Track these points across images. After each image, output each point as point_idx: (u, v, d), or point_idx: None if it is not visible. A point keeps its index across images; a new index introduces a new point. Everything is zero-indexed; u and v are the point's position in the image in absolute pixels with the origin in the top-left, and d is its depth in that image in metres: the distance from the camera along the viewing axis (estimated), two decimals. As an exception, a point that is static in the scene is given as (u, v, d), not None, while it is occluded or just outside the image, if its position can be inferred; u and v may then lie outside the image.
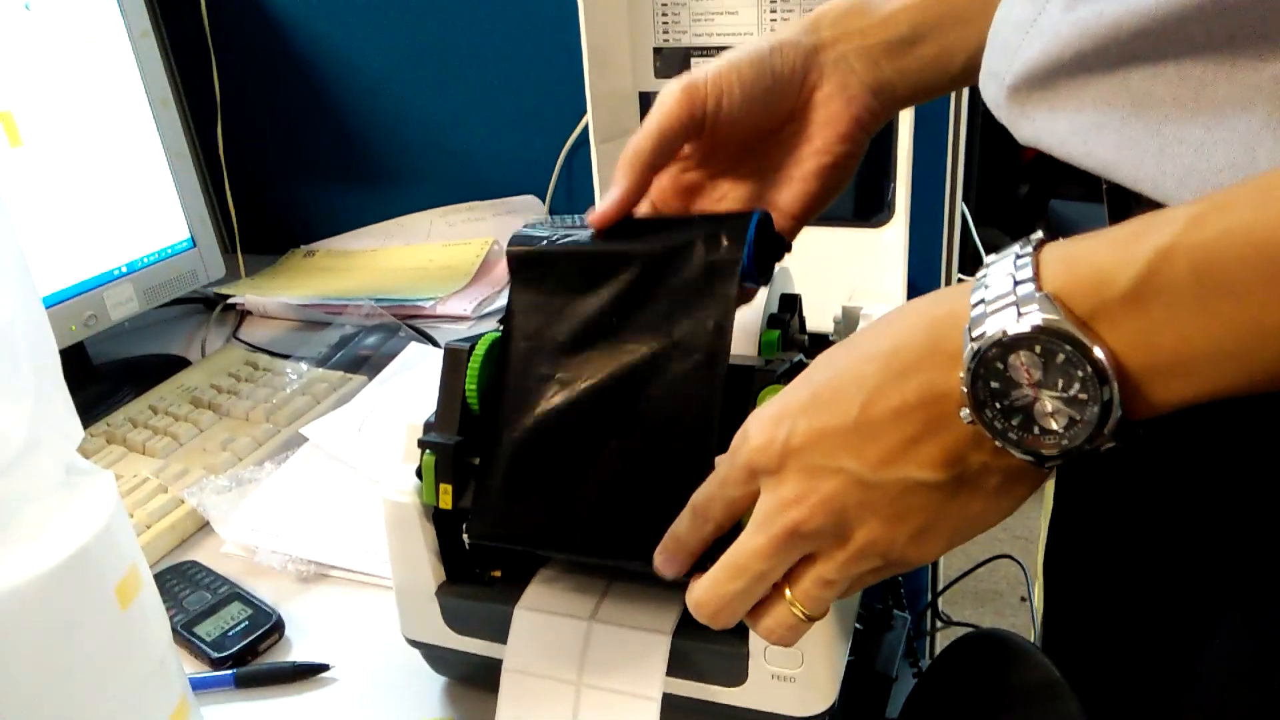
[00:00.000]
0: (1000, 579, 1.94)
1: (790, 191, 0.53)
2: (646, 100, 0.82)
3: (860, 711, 0.70)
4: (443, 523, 0.52)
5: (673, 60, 0.79)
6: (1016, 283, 0.32)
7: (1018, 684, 0.50)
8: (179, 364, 1.00)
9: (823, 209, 0.55)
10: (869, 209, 0.79)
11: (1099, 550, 0.48)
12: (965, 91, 0.93)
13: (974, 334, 0.33)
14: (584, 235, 0.50)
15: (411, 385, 0.88)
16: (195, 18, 1.21)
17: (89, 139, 0.90)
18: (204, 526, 0.75)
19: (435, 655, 0.57)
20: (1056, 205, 2.19)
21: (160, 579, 0.68)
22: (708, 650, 0.49)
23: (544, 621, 0.51)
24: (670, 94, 0.49)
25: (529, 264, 0.50)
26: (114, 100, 0.92)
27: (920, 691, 0.57)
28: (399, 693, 0.59)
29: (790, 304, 0.66)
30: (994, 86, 0.40)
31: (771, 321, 0.63)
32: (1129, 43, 0.33)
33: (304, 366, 0.93)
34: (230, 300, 1.13)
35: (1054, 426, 0.32)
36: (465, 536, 0.50)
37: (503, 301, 1.08)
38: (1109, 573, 0.47)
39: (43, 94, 0.86)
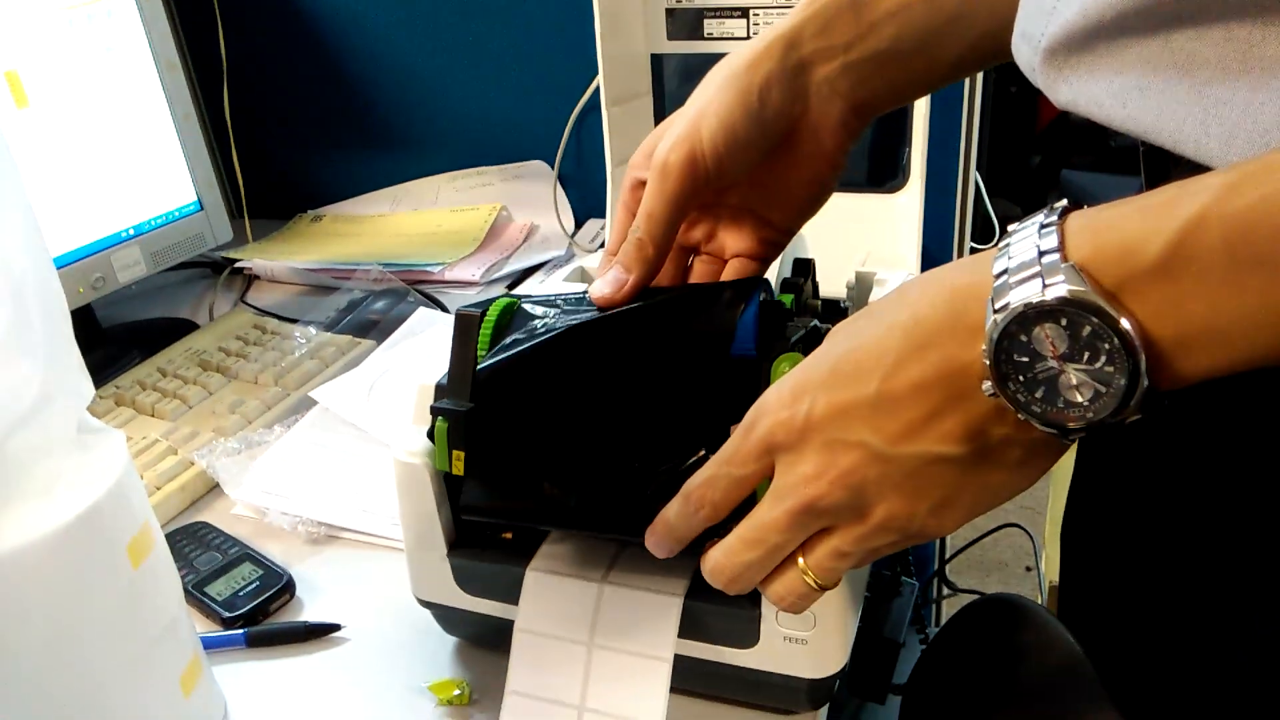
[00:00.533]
0: (1006, 549, 1.94)
1: (779, 210, 0.52)
2: (658, 62, 0.81)
3: (867, 677, 0.70)
4: (454, 486, 0.52)
5: (685, 21, 0.78)
6: (1041, 253, 0.31)
7: (1028, 647, 0.50)
8: (187, 327, 0.99)
9: (809, 218, 0.54)
10: (883, 175, 0.78)
11: (1122, 518, 0.48)
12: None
13: (997, 305, 0.32)
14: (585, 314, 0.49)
15: (420, 350, 0.88)
16: (201, -22, 1.20)
17: (95, 100, 0.90)
18: (214, 488, 0.75)
19: (446, 616, 0.57)
20: (1068, 175, 2.17)
21: (171, 540, 0.68)
22: (720, 612, 0.49)
23: (555, 583, 0.51)
24: (672, 168, 0.47)
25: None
26: (120, 62, 0.92)
27: (930, 655, 0.57)
28: (410, 653, 0.59)
29: (804, 268, 0.65)
30: (1028, 49, 0.39)
31: (784, 285, 0.63)
32: (1172, 4, 0.32)
33: (312, 330, 0.93)
34: (237, 264, 1.13)
35: (1079, 399, 0.32)
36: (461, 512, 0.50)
37: (511, 267, 1.09)
38: (1132, 541, 0.47)
39: (49, 54, 0.86)
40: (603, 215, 1.20)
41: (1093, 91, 0.36)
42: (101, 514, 0.45)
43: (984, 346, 0.32)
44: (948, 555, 1.19)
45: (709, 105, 0.47)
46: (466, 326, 0.50)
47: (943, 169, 0.92)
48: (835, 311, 0.69)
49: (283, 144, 1.30)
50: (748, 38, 0.77)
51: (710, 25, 0.78)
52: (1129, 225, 0.30)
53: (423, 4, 1.16)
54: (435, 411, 0.49)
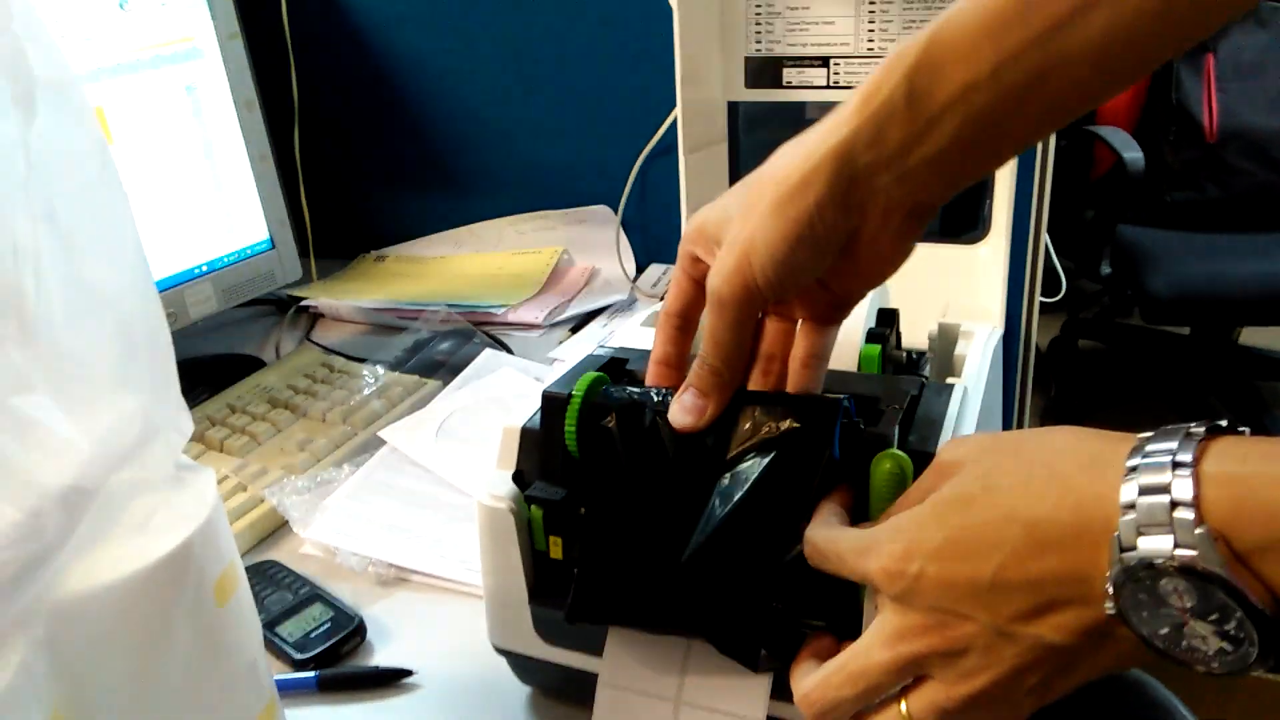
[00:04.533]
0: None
1: (843, 288, 0.49)
2: (735, 110, 0.81)
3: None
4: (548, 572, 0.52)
5: (763, 70, 0.78)
6: (1174, 503, 0.31)
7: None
8: (254, 364, 1.00)
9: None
10: (961, 225, 0.77)
11: None
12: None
13: (1124, 548, 0.32)
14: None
15: (488, 391, 0.87)
16: (275, 20, 1.22)
17: (176, 138, 0.91)
18: (282, 526, 0.75)
19: (523, 665, 0.56)
20: (1124, 230, 2.15)
21: (241, 578, 0.67)
22: (813, 672, 0.47)
23: (642, 635, 0.50)
24: (728, 301, 0.45)
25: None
26: (200, 101, 0.93)
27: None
28: (483, 702, 0.58)
29: (888, 319, 0.64)
30: None
31: (870, 336, 0.62)
32: None
33: (380, 370, 0.93)
34: (303, 303, 1.14)
35: (1205, 649, 0.32)
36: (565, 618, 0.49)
37: (573, 310, 1.09)
38: None
39: (133, 92, 0.87)
40: (664, 260, 1.20)
41: None
42: (192, 550, 0.45)
43: (1108, 576, 0.32)
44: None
45: (758, 234, 0.44)
46: (553, 408, 0.50)
47: (1016, 221, 0.91)
48: (915, 365, 0.68)
49: (348, 184, 1.32)
50: (828, 86, 0.77)
51: (789, 74, 0.78)
52: (1276, 494, 0.30)
53: (489, 48, 1.18)
54: (529, 500, 0.50)
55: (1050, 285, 1.28)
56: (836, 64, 0.76)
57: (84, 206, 0.42)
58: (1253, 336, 2.33)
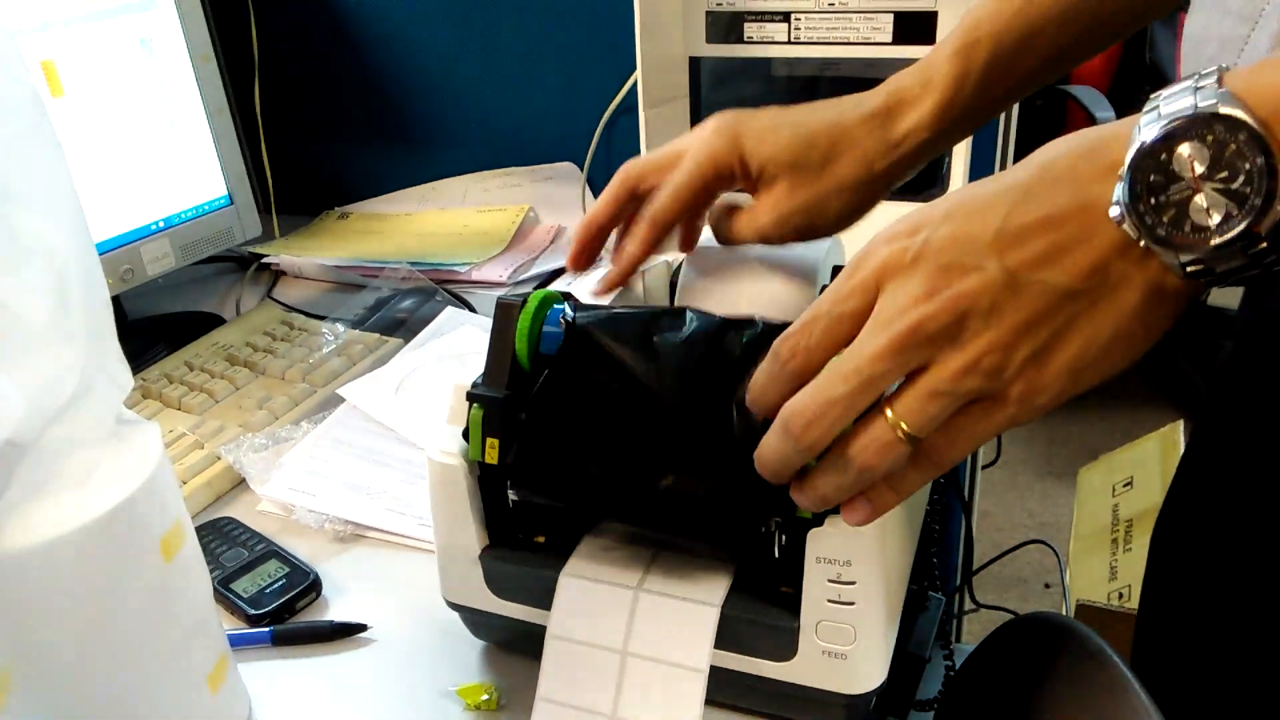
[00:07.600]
0: (1024, 565, 1.93)
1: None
2: (696, 65, 0.80)
3: (892, 692, 0.69)
4: (488, 482, 0.52)
5: (725, 24, 0.77)
6: (1198, 89, 0.33)
7: (1072, 668, 0.49)
8: (214, 321, 0.99)
9: None
10: (920, 183, 0.77)
11: (1219, 537, 0.46)
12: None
13: (1144, 123, 0.33)
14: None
15: (448, 349, 0.87)
16: (235, -28, 1.20)
17: (129, 92, 0.90)
18: (239, 484, 0.75)
19: (476, 619, 0.57)
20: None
21: (197, 535, 0.67)
22: (757, 623, 0.48)
23: (589, 589, 0.50)
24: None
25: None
26: (155, 54, 0.91)
27: (967, 673, 0.56)
28: (437, 656, 0.58)
29: (842, 276, 0.64)
30: None
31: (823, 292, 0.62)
32: None
33: (340, 328, 0.92)
34: (265, 260, 1.13)
35: (1207, 222, 0.32)
36: (510, 492, 0.50)
37: (538, 269, 1.08)
38: (1228, 549, 0.45)
39: (85, 45, 0.86)
40: (630, 219, 1.20)
41: None
42: (136, 507, 0.45)
43: (1122, 170, 0.33)
44: (974, 568, 1.18)
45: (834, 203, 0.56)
46: (506, 316, 0.50)
47: (973, 178, 0.91)
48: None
49: (311, 140, 1.30)
50: (789, 42, 0.76)
51: (750, 29, 0.77)
52: None
53: (454, 3, 1.16)
54: (471, 398, 0.50)
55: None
56: (797, 18, 0.76)
57: (16, 158, 0.41)
58: (1222, 297, 2.34)
